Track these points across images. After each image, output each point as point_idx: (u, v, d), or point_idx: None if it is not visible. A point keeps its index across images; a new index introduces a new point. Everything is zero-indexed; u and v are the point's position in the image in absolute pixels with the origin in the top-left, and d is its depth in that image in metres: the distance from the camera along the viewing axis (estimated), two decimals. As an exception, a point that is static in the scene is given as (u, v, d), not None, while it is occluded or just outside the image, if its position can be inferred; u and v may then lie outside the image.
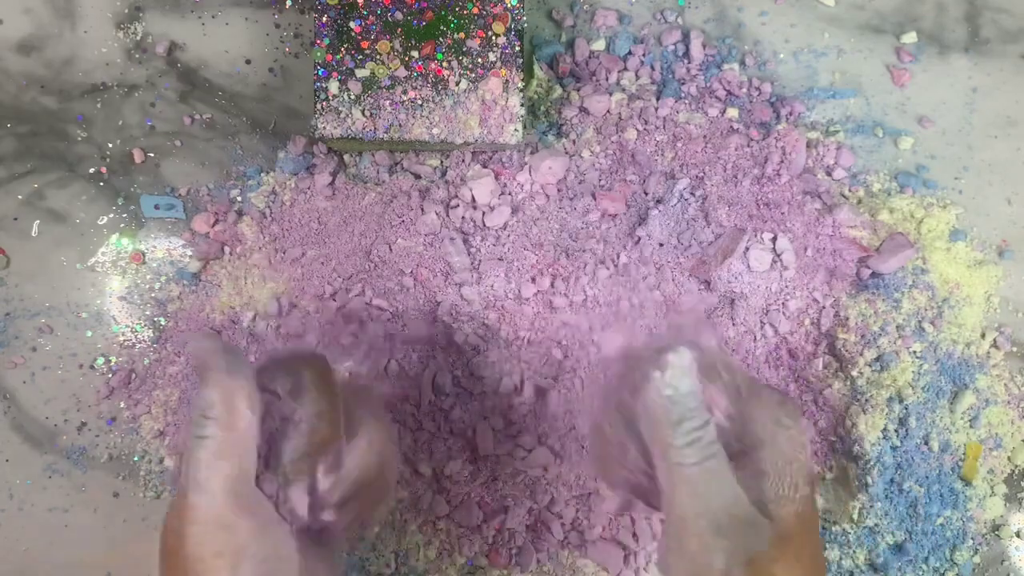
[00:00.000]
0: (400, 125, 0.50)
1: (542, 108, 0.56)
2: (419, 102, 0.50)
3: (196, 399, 0.34)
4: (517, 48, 0.50)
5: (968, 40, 0.58)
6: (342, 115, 0.50)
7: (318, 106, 0.49)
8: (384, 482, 0.41)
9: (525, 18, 0.50)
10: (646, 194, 0.55)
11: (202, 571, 0.33)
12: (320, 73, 0.50)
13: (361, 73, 0.50)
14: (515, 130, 0.50)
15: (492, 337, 0.53)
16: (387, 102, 0.50)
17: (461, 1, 0.50)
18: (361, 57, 0.50)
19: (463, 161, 0.55)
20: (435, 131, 0.50)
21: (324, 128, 0.50)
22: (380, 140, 0.50)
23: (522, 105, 0.50)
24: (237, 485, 0.34)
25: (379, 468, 0.40)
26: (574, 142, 0.55)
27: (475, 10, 0.50)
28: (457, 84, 0.50)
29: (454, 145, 0.51)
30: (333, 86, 0.49)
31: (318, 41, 0.50)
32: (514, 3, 0.50)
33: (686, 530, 0.33)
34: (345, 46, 0.50)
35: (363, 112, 0.50)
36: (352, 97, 0.50)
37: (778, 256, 0.53)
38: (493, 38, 0.50)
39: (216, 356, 0.34)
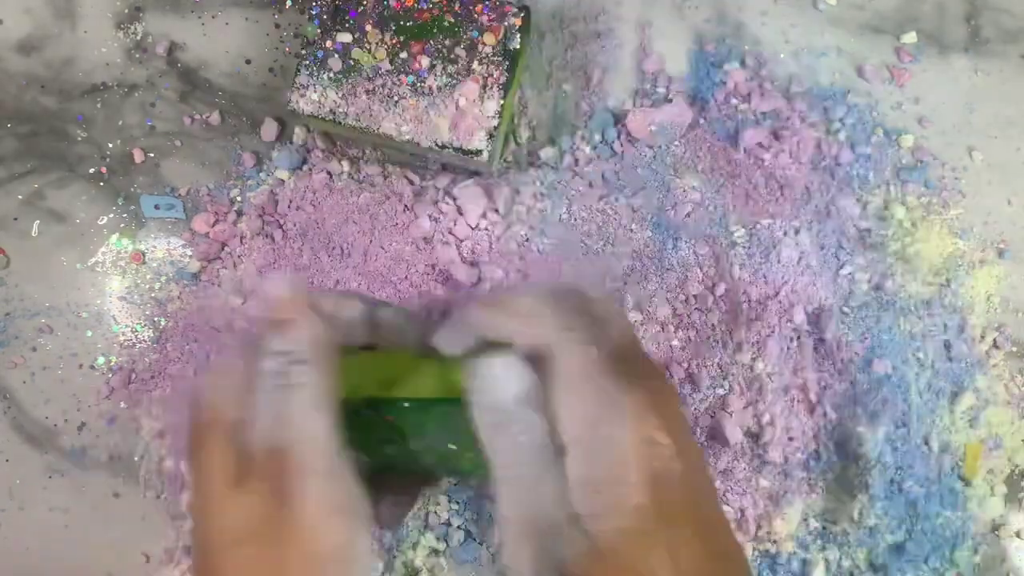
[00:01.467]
0: (371, 115, 0.49)
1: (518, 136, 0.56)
2: (395, 98, 0.50)
3: (270, 344, 0.31)
4: (504, 64, 0.50)
5: (968, 40, 0.58)
6: (318, 94, 0.50)
7: (297, 80, 0.50)
8: None
9: (519, 37, 0.50)
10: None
11: (321, 532, 0.29)
12: (306, 50, 0.50)
13: (346, 58, 0.50)
14: (483, 137, 0.50)
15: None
16: (363, 91, 0.50)
17: (460, 8, 0.50)
18: (350, 42, 0.50)
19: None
20: (404, 129, 0.49)
21: (297, 103, 0.50)
22: (349, 126, 0.50)
23: (497, 115, 0.50)
24: (335, 434, 0.31)
25: None
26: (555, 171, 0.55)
27: (471, 19, 0.50)
28: (436, 88, 0.49)
29: (421, 147, 0.50)
30: (316, 65, 0.49)
31: (311, 16, 0.50)
32: (511, 21, 0.50)
33: (504, 532, 0.31)
34: (337, 29, 0.50)
35: (339, 95, 0.49)
36: (331, 77, 0.49)
37: (779, 255, 0.53)
38: (481, 48, 0.50)
39: (303, 296, 0.32)
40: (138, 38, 0.56)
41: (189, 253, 0.55)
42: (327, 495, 0.30)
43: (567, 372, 0.30)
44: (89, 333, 0.55)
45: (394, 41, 0.50)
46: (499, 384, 0.31)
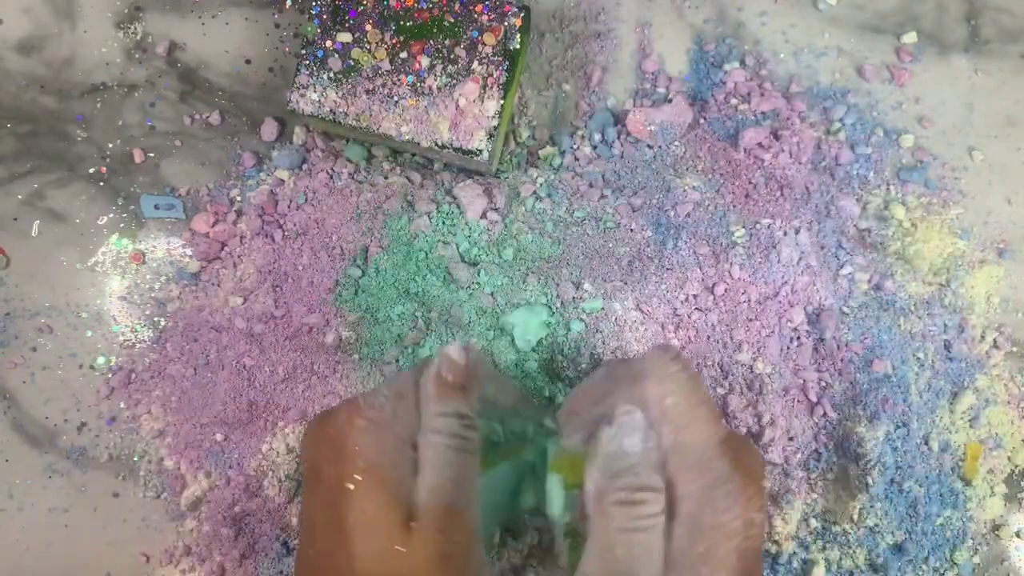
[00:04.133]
0: (371, 115, 0.49)
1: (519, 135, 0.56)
2: (395, 98, 0.50)
3: (448, 405, 0.34)
4: (504, 64, 0.50)
5: (968, 40, 0.58)
6: (318, 94, 0.50)
7: (297, 80, 0.50)
8: None
9: (519, 37, 0.50)
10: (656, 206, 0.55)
11: None
12: (306, 50, 0.50)
13: (346, 57, 0.50)
14: (483, 137, 0.50)
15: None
16: (363, 90, 0.50)
17: (460, 8, 0.50)
18: (350, 42, 0.50)
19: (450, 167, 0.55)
20: (404, 128, 0.49)
21: (297, 103, 0.50)
22: (349, 126, 0.50)
23: (497, 115, 0.50)
24: None
25: None
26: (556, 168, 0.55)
27: (471, 19, 0.50)
28: (436, 88, 0.50)
29: (421, 147, 0.50)
30: (316, 64, 0.50)
31: (311, 16, 0.50)
32: (511, 21, 0.50)
33: None
34: (337, 28, 0.50)
35: (339, 95, 0.50)
36: (331, 77, 0.50)
37: (779, 255, 0.53)
38: (481, 48, 0.50)
39: (479, 367, 0.36)
40: (138, 38, 0.56)
41: (189, 253, 0.55)
42: (479, 556, 0.32)
43: (689, 446, 0.33)
44: (89, 333, 0.55)
45: (394, 41, 0.50)
46: (627, 432, 0.32)
